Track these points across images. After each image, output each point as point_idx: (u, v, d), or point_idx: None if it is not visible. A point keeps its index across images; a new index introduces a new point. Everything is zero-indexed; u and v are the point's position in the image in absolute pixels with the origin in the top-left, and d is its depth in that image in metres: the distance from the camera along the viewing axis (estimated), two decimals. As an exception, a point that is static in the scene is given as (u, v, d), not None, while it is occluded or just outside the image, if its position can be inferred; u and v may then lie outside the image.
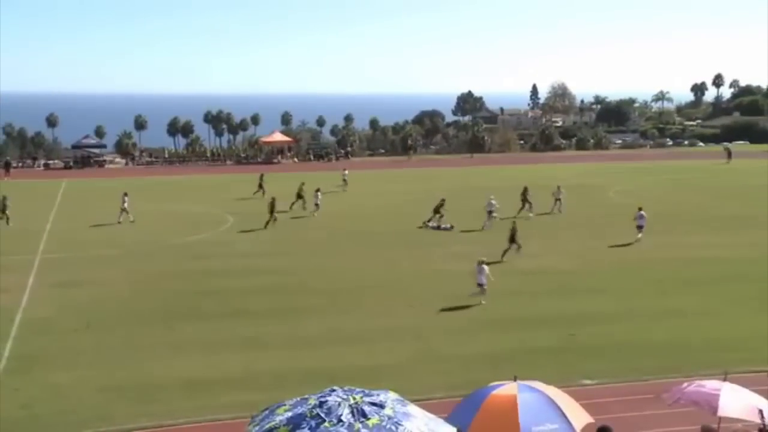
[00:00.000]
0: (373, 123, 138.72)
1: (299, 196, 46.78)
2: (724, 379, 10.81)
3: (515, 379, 9.80)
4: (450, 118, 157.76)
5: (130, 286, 28.78)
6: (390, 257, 33.80)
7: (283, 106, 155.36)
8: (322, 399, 5.74)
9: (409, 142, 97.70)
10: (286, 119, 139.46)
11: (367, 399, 5.77)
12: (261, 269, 31.33)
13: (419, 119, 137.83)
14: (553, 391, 9.66)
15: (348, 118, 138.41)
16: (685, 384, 11.48)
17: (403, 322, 24.25)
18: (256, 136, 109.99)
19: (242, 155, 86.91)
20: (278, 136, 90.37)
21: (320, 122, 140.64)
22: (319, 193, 46.01)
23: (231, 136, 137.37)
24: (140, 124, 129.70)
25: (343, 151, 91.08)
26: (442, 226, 40.18)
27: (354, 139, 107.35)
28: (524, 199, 44.15)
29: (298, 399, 5.94)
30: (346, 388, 5.93)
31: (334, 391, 5.86)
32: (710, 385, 10.82)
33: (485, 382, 10.62)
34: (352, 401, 5.69)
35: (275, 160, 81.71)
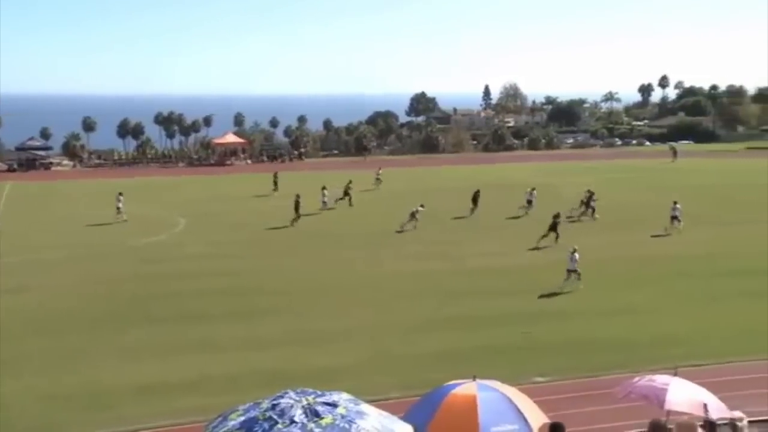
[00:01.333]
0: (327, 124, 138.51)
1: (346, 193, 48.06)
2: (675, 374, 11.01)
3: (474, 379, 9.83)
4: (403, 118, 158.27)
5: (80, 290, 28.22)
6: (346, 258, 33.75)
7: (236, 107, 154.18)
8: (275, 402, 5.71)
9: (364, 142, 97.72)
10: (238, 120, 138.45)
11: (319, 399, 5.76)
12: (215, 271, 31.01)
13: (373, 120, 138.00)
14: (511, 391, 9.73)
15: (301, 119, 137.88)
16: (637, 378, 11.68)
17: (358, 322, 24.23)
18: (208, 137, 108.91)
19: (194, 157, 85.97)
20: (231, 138, 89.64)
21: (273, 123, 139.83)
22: (325, 191, 46.76)
23: (183, 138, 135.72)
24: (89, 126, 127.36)
25: (296, 152, 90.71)
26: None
27: (308, 140, 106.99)
28: (475, 200, 44.70)
29: (251, 403, 5.90)
30: (298, 390, 5.90)
31: (286, 393, 5.84)
32: (660, 379, 11.02)
33: (440, 382, 10.64)
34: (304, 402, 5.67)
35: (228, 162, 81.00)
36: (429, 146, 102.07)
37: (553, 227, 35.91)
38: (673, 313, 24.70)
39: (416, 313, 25.11)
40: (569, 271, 27.70)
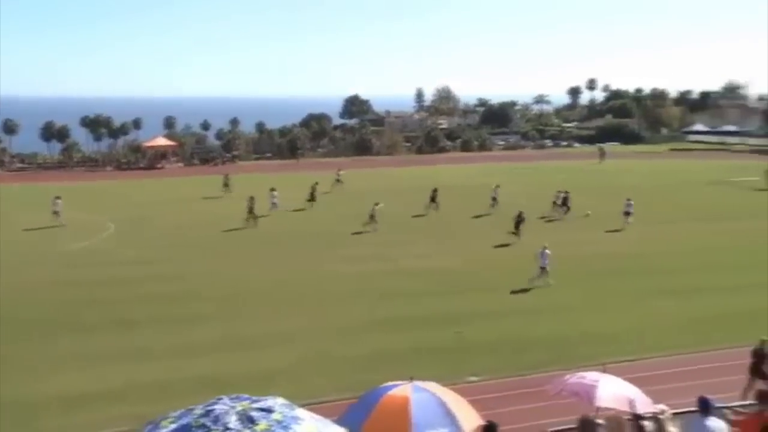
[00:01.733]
0: (260, 126, 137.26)
1: (312, 195, 47.74)
2: (604, 371, 11.33)
3: (411, 380, 9.90)
4: (337, 121, 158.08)
5: (6, 297, 27.33)
6: (281, 260, 33.59)
7: (166, 110, 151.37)
8: (209, 408, 5.65)
9: (297, 145, 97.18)
10: (169, 123, 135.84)
11: (254, 405, 5.72)
12: (147, 277, 30.45)
13: (306, 122, 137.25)
14: (445, 393, 9.82)
15: (234, 122, 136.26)
16: (568, 376, 11.94)
17: (293, 325, 24.16)
18: (138, 140, 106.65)
19: (123, 160, 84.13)
20: (161, 141, 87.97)
21: (205, 126, 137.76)
22: (275, 193, 46.44)
23: (111, 141, 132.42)
24: (10, 129, 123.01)
25: (229, 155, 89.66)
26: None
27: (240, 143, 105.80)
28: (433, 198, 45.62)
29: (183, 410, 5.83)
30: (233, 396, 5.86)
31: (220, 399, 5.79)
32: (590, 376, 11.30)
33: (376, 383, 10.71)
34: (239, 408, 5.64)
35: (159, 165, 79.54)
36: (363, 148, 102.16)
37: (517, 225, 37.11)
38: (602, 310, 25.38)
39: (352, 314, 25.18)
40: (541, 269, 28.67)
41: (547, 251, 28.81)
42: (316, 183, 49.43)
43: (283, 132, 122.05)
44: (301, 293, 28.05)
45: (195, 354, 21.59)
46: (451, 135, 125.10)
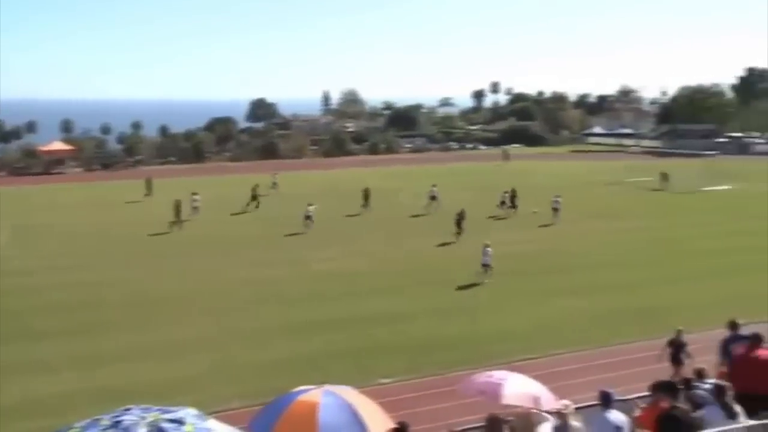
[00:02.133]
0: (164, 130, 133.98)
1: (254, 197, 47.70)
2: (511, 369, 11.57)
3: (322, 385, 9.86)
4: (243, 124, 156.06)
5: None
6: (192, 266, 32.98)
7: (63, 113, 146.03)
8: (117, 419, 5.48)
9: (203, 149, 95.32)
10: (66, 126, 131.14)
11: (165, 416, 5.59)
12: (46, 286, 29.26)
13: (211, 126, 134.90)
14: (355, 397, 9.81)
15: (136, 125, 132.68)
16: (476, 375, 12.13)
17: (201, 332, 23.72)
18: (32, 144, 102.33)
19: (16, 165, 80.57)
20: (58, 145, 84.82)
21: (105, 130, 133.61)
22: (196, 197, 45.76)
23: (2, 145, 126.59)
24: None
25: (131, 160, 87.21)
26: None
27: (143, 147, 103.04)
28: (366, 198, 47.15)
29: (90, 420, 5.61)
30: (142, 407, 5.69)
31: (129, 410, 5.61)
32: (498, 375, 11.49)
33: (284, 389, 10.61)
34: (150, 419, 5.50)
35: (56, 171, 76.59)
36: (269, 152, 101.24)
37: (459, 223, 38.23)
38: (508, 309, 25.97)
39: (261, 320, 24.92)
40: (484, 265, 29.53)
41: (488, 249, 29.78)
42: (257, 185, 49.65)
43: (188, 136, 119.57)
44: (210, 299, 27.58)
45: (96, 364, 20.90)
46: (358, 138, 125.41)
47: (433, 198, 47.59)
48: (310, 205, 41.56)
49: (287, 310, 25.87)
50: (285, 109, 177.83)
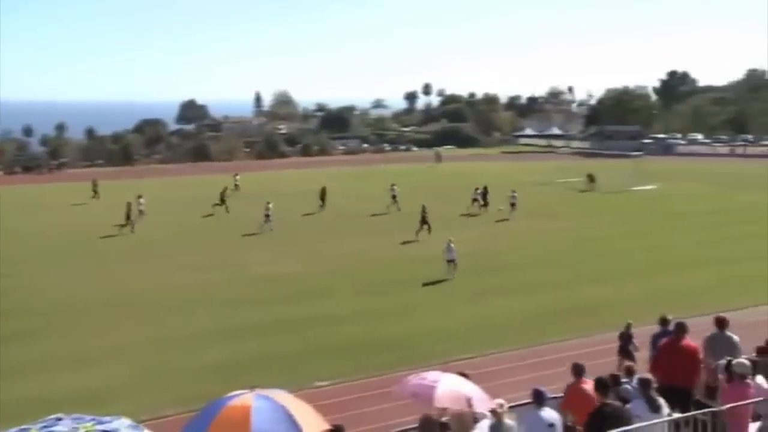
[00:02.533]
0: (90, 132, 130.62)
1: (222, 200, 47.24)
2: (445, 370, 11.62)
3: (253, 389, 9.77)
4: (173, 126, 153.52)
5: None
6: (124, 270, 32.34)
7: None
8: (47, 429, 5.35)
9: (132, 151, 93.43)
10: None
11: (99, 427, 5.48)
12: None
13: (140, 128, 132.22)
14: (289, 400, 9.72)
15: (60, 127, 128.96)
16: (411, 377, 12.15)
17: (131, 339, 23.24)
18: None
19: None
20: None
21: (27, 132, 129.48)
22: (141, 200, 45.08)
23: None
24: None
25: (55, 163, 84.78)
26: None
27: (68, 150, 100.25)
28: (322, 198, 47.79)
29: (17, 429, 5.45)
30: (74, 416, 5.56)
31: (60, 419, 5.48)
32: (430, 377, 11.49)
33: (218, 395, 10.47)
34: (82, 430, 5.39)
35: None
36: (200, 154, 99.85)
37: (423, 220, 39.05)
38: (443, 310, 26.21)
39: (193, 325, 24.57)
40: (448, 261, 30.27)
41: (452, 245, 30.42)
42: (226, 188, 50.00)
43: (116, 138, 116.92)
44: (142, 304, 27.06)
45: (21, 374, 20.26)
46: (291, 140, 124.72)
47: (394, 197, 48.44)
48: (269, 203, 42.04)
49: (222, 314, 25.57)
50: (216, 111, 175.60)
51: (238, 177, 59.29)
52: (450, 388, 10.82)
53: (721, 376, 11.16)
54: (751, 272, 29.47)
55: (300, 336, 23.26)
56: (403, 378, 13.11)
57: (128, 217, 41.68)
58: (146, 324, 24.81)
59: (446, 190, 56.26)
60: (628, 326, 18.49)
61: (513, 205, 45.89)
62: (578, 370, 11.73)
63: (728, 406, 10.23)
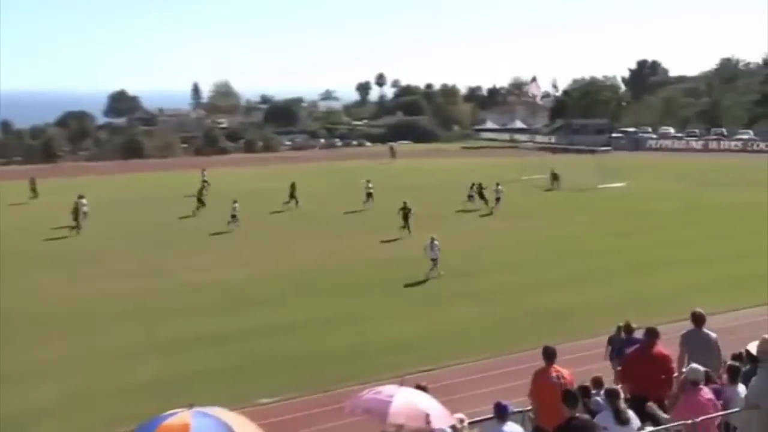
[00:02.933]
0: (5, 125, 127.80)
1: (200, 200, 47.35)
2: (401, 384, 11.55)
3: (191, 407, 9.62)
4: (101, 119, 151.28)
5: None
6: (47, 280, 31.79)
7: None
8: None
9: (54, 147, 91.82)
10: None
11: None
12: None
13: (64, 121, 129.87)
14: (231, 418, 9.59)
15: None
16: (365, 391, 12.06)
17: (57, 354, 22.81)
18: None
19: None
20: None
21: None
22: (83, 200, 44.59)
23: None
24: None
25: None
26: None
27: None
28: (293, 194, 48.65)
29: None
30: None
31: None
32: (386, 391, 11.40)
33: (153, 414, 10.34)
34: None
35: None
36: (133, 150, 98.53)
37: (406, 218, 40.23)
38: (398, 318, 26.22)
39: (125, 339, 24.20)
40: (432, 260, 31.01)
41: (435, 242, 31.15)
42: (203, 186, 50.86)
43: (36, 132, 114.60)
44: (63, 318, 26.55)
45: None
46: (233, 135, 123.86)
47: (369, 195, 49.51)
48: (235, 202, 42.85)
49: (156, 327, 25.25)
50: (149, 103, 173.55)
51: (206, 173, 59.19)
52: (406, 403, 10.75)
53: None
54: (728, 273, 30.14)
55: (243, 348, 23.06)
56: (356, 393, 13.04)
57: (76, 218, 41.95)
58: (75, 337, 24.36)
59: (406, 189, 56.41)
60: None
61: (498, 199, 47.75)
62: (548, 354, 12.10)
63: (679, 422, 10.23)
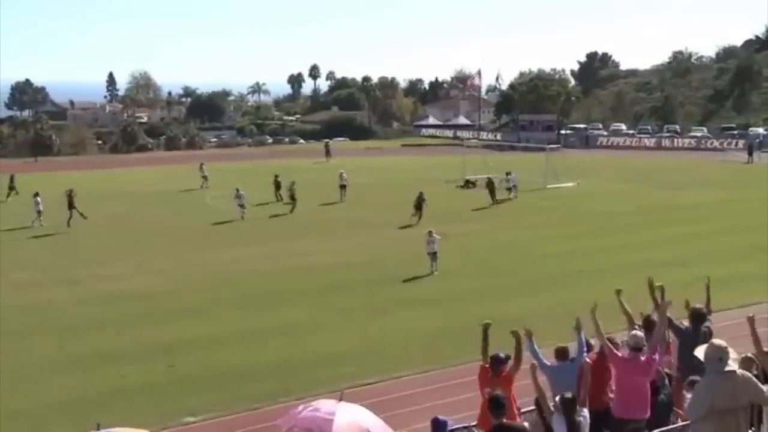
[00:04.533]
0: None
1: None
2: (340, 399, 11.52)
3: (98, 428, 9.52)
4: (4, 113, 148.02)
5: None
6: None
7: None
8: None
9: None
10: None
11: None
12: None
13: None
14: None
15: None
16: (300, 407, 11.98)
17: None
18: None
19: None
20: None
21: None
22: (38, 198, 44.89)
23: None
24: None
25: None
26: None
27: None
28: (275, 189, 51.52)
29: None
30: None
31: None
32: (325, 407, 11.35)
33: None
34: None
35: None
36: (40, 147, 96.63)
37: (419, 206, 43.96)
38: (334, 328, 26.15)
39: (29, 356, 23.67)
40: (430, 254, 32.61)
41: (435, 236, 32.72)
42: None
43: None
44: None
45: None
46: (153, 131, 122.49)
47: (343, 187, 52.38)
48: (238, 189, 46.41)
49: (65, 342, 24.74)
50: (58, 95, 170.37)
51: (204, 167, 61.27)
52: (348, 420, 10.72)
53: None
54: (681, 278, 30.75)
55: (164, 363, 22.74)
56: (290, 409, 12.97)
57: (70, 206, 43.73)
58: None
59: (365, 188, 56.63)
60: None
61: (509, 189, 53.56)
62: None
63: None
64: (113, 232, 42.22)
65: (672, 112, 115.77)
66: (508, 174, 54.23)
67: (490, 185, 52.99)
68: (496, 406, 10.26)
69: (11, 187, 56.12)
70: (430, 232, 33.06)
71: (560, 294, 29.44)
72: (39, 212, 44.62)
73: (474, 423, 12.80)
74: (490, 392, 10.93)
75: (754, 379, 9.70)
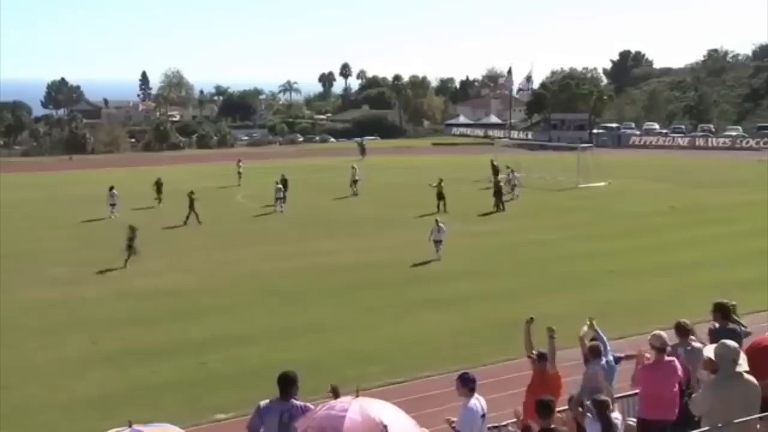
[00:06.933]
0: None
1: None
2: (356, 396, 11.54)
3: (130, 425, 9.66)
4: (39, 111, 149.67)
5: None
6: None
7: None
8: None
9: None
10: None
11: None
12: None
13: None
14: (174, 432, 9.64)
15: None
16: (319, 407, 12.04)
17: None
18: None
19: None
20: None
21: None
22: (114, 191, 46.52)
23: None
24: None
25: None
26: None
27: None
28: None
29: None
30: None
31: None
32: (340, 405, 11.31)
33: (96, 432, 10.41)
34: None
35: None
36: (75, 145, 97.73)
37: (441, 197, 46.74)
38: (362, 327, 26.25)
39: (63, 352, 24.00)
40: (435, 242, 34.75)
41: (441, 225, 35.13)
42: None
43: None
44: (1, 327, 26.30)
45: None
46: (185, 129, 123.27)
47: (354, 182, 54.30)
48: (278, 183, 48.59)
49: (100, 338, 25.08)
50: (92, 93, 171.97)
51: (241, 164, 63.03)
52: (361, 416, 10.53)
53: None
54: (710, 280, 30.53)
55: (195, 360, 23.00)
56: (311, 408, 13.06)
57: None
58: (8, 350, 24.10)
59: (375, 190, 56.64)
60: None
61: (514, 186, 53.53)
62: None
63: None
64: (145, 229, 42.50)
65: (706, 111, 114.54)
66: (511, 171, 54.76)
67: (497, 191, 49.94)
68: (544, 408, 10.36)
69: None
70: (437, 221, 35.50)
71: (589, 294, 29.33)
72: (113, 205, 45.95)
73: (504, 423, 12.83)
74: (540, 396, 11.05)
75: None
